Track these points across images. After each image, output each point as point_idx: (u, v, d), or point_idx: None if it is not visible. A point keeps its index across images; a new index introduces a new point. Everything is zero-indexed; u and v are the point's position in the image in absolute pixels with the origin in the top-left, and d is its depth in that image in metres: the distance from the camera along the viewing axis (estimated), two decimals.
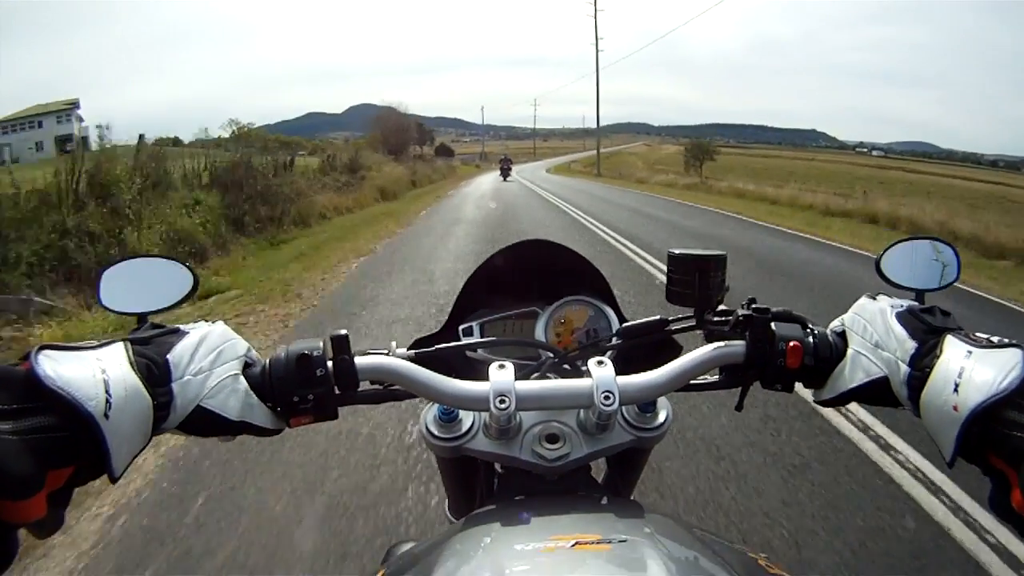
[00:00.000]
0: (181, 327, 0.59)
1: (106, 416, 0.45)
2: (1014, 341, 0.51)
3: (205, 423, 0.56)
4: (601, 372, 0.64)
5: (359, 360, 0.64)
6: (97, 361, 0.48)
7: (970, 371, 0.50)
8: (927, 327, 0.58)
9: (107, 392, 0.46)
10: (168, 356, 0.55)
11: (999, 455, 0.47)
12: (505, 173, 32.60)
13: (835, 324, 0.69)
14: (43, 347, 0.47)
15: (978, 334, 0.54)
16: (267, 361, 0.63)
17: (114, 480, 0.47)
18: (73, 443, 0.44)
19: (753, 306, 0.69)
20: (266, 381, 0.61)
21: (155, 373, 0.52)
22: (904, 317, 0.61)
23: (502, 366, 0.65)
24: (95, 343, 0.51)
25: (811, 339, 0.66)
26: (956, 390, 0.50)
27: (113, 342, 0.52)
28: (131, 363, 0.50)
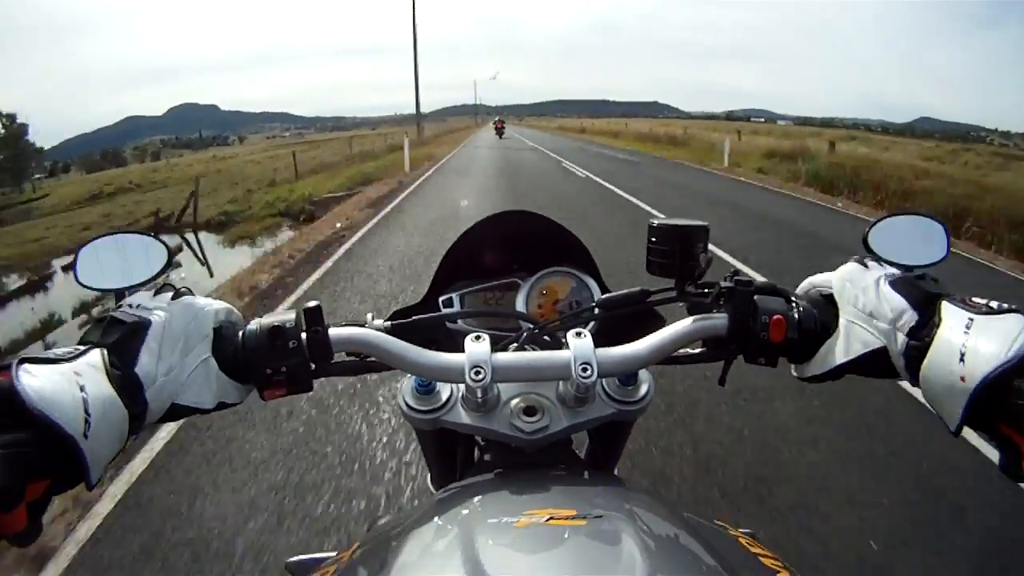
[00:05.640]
0: (142, 315, 0.61)
1: (85, 436, 0.47)
2: (1013, 306, 0.53)
3: (181, 414, 0.62)
4: (579, 343, 0.67)
5: (333, 331, 0.68)
6: (76, 376, 0.50)
7: (975, 340, 0.51)
8: (923, 294, 0.61)
9: (86, 412, 0.48)
10: (136, 370, 0.57)
11: (1009, 424, 0.49)
12: (500, 132, 43.75)
13: (820, 280, 0.73)
14: (23, 360, 0.49)
15: (975, 299, 0.56)
16: (240, 334, 0.67)
17: (90, 488, 0.50)
18: (51, 458, 0.46)
19: (736, 278, 0.72)
20: (239, 354, 0.65)
21: (128, 386, 0.55)
22: (899, 285, 0.63)
23: (478, 337, 0.68)
24: (72, 352, 0.53)
25: (795, 313, 0.70)
26: (962, 360, 0.51)
27: (89, 350, 0.55)
28: (108, 375, 0.53)
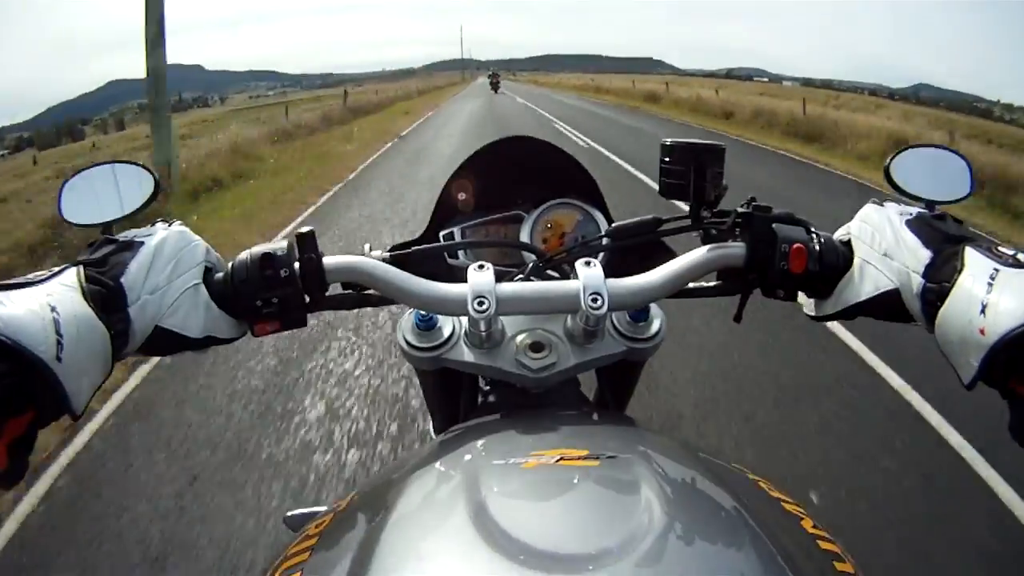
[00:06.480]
0: (136, 238, 0.61)
1: (58, 359, 0.45)
2: None
3: (166, 342, 0.59)
4: (589, 272, 0.64)
5: (328, 260, 0.66)
6: (47, 297, 0.48)
7: (1000, 292, 0.49)
8: (942, 235, 0.59)
9: (58, 333, 0.46)
10: (122, 279, 0.56)
11: None
12: (495, 87, 38.71)
13: (840, 232, 0.70)
14: None
15: (1001, 248, 0.54)
16: (230, 265, 0.64)
17: (76, 418, 0.49)
18: (29, 388, 0.45)
19: (754, 204, 0.70)
20: (228, 287, 0.63)
21: (110, 300, 0.54)
22: (915, 224, 0.61)
23: (482, 266, 0.66)
24: (47, 273, 0.52)
25: (815, 244, 0.67)
26: (983, 312, 0.49)
27: (66, 269, 0.53)
28: (84, 293, 0.51)
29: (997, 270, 0.51)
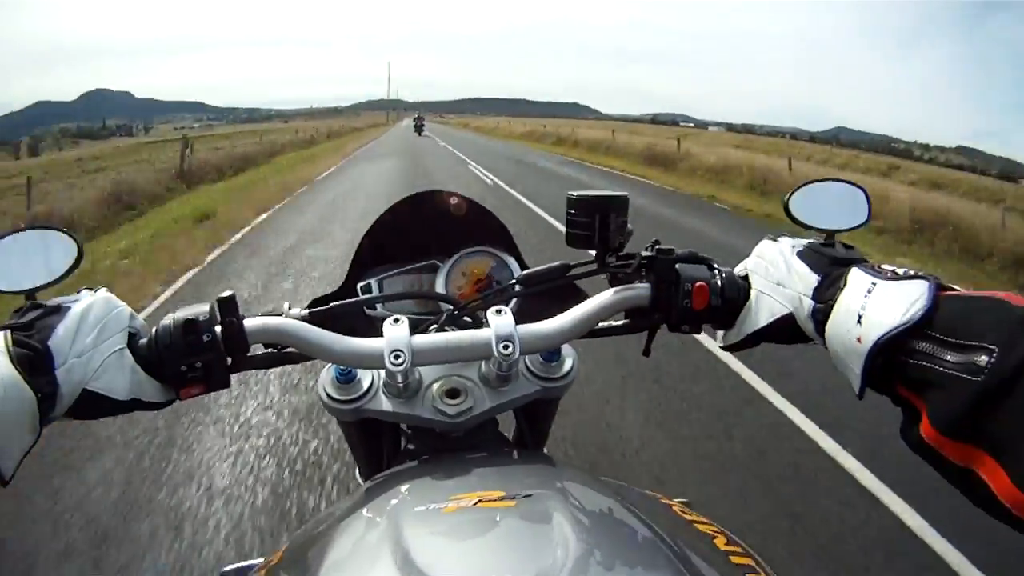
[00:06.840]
0: (63, 302, 0.61)
1: None
2: (920, 273, 0.53)
3: (94, 406, 0.58)
4: (500, 321, 0.67)
5: (248, 322, 0.66)
6: None
7: (874, 303, 0.52)
8: (829, 259, 0.62)
9: None
10: (49, 342, 0.55)
11: (906, 385, 0.50)
12: (419, 129, 38.97)
13: (739, 268, 0.73)
14: None
15: (884, 266, 0.57)
16: (154, 330, 0.64)
17: (5, 483, 0.48)
18: None
19: (657, 247, 0.73)
20: (153, 352, 0.63)
21: (37, 363, 0.53)
22: (805, 253, 0.65)
23: (396, 320, 0.68)
24: None
25: (717, 280, 0.71)
26: (859, 322, 0.52)
27: None
28: (10, 357, 0.51)
29: (875, 284, 0.54)
